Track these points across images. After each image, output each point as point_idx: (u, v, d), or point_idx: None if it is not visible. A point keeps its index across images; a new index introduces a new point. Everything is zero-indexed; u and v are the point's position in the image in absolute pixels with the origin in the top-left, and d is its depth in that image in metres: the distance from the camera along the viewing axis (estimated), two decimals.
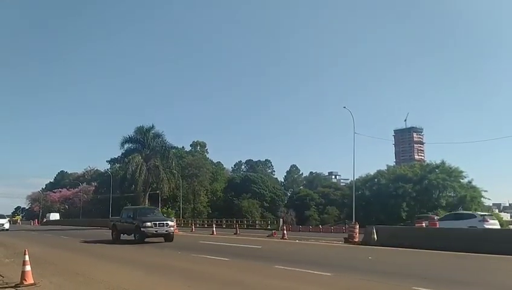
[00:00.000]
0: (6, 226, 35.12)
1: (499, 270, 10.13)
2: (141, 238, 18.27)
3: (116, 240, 20.06)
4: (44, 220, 69.24)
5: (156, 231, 18.38)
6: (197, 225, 46.40)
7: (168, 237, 18.86)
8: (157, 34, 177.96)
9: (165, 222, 18.98)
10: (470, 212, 24.60)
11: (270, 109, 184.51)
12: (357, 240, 17.76)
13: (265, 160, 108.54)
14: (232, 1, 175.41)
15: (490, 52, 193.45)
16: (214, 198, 76.71)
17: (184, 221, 51.08)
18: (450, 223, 20.75)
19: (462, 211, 25.28)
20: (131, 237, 19.27)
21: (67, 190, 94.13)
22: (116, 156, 62.27)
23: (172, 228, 19.24)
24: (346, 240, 18.23)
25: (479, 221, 21.55)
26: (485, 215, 23.85)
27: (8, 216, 49.79)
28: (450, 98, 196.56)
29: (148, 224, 18.25)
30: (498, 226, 22.99)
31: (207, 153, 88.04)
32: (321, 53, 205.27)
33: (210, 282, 8.16)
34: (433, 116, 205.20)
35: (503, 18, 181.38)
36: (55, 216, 71.72)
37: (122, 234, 20.34)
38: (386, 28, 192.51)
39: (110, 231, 21.49)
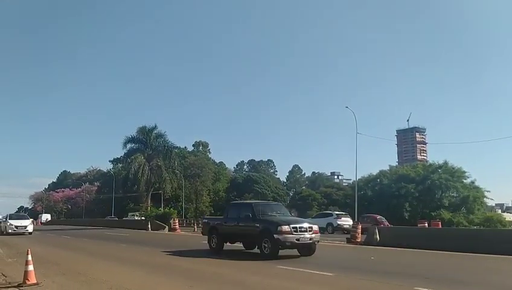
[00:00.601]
0: (30, 228, 27.52)
1: (500, 270, 10.13)
2: (274, 250, 11.64)
3: (218, 251, 13.58)
4: (44, 220, 69.60)
5: (298, 240, 11.65)
6: (199, 225, 46.34)
7: (311, 248, 12.24)
8: (157, 34, 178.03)
9: (307, 226, 12.11)
10: (329, 211, 30.90)
11: (271, 109, 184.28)
12: (359, 240, 17.71)
13: (268, 160, 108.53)
14: (232, 1, 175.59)
15: (492, 52, 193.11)
16: (216, 198, 76.75)
17: (186, 221, 51.14)
18: (316, 221, 22.75)
19: (324, 211, 32.02)
20: (237, 245, 13.96)
21: (70, 189, 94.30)
22: (119, 156, 62.64)
23: (317, 235, 12.31)
24: (349, 240, 18.19)
25: (334, 218, 27.63)
26: (339, 214, 29.26)
27: None
28: (453, 98, 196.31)
29: (286, 228, 11.51)
30: (350, 222, 25.86)
31: (209, 153, 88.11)
32: (322, 53, 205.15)
33: (211, 282, 8.18)
34: (435, 117, 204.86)
35: (503, 18, 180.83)
36: (46, 217, 73.01)
37: (225, 243, 13.93)
38: (388, 28, 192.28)
39: (207, 237, 14.43)
